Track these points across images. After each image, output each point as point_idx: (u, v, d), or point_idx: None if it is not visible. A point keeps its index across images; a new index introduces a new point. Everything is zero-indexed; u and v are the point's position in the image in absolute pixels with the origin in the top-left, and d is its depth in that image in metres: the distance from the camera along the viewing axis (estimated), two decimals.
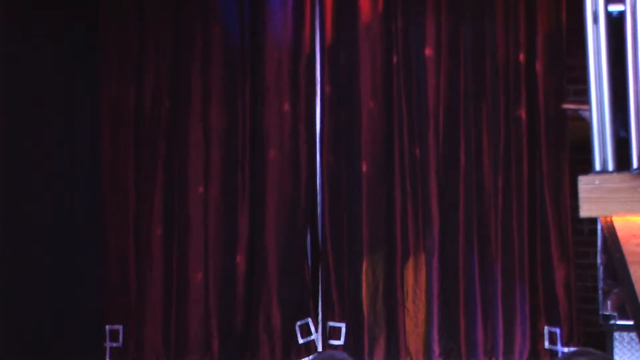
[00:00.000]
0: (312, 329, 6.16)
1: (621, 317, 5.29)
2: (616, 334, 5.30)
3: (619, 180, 2.47)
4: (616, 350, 5.27)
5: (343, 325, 6.12)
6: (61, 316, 5.92)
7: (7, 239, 5.53)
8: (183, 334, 6.22)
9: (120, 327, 6.29)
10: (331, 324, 6.14)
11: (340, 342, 6.11)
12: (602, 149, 2.52)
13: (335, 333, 6.12)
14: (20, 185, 5.73)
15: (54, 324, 5.85)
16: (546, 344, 5.91)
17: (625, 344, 5.28)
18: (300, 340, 6.15)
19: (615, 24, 2.60)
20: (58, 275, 5.94)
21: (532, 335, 5.92)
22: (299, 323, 6.16)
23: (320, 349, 6.13)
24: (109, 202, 6.36)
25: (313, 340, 6.16)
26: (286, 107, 6.26)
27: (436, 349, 5.97)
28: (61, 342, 5.87)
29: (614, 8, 2.60)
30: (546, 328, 5.92)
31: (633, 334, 5.22)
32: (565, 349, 5.81)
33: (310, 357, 6.09)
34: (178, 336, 6.22)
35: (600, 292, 5.46)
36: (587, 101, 2.65)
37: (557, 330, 5.87)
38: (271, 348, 6.14)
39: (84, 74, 6.37)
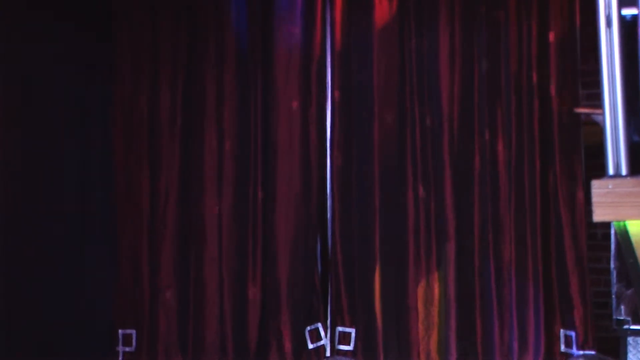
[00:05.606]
0: (322, 334, 6.16)
1: (635, 322, 5.27)
2: (630, 339, 5.28)
3: (633, 185, 2.46)
4: (630, 355, 5.26)
5: (352, 331, 6.11)
6: (74, 320, 5.94)
7: (17, 246, 5.56)
8: (198, 339, 6.22)
9: (133, 332, 6.31)
10: (340, 329, 6.14)
11: (350, 347, 6.10)
12: (616, 153, 2.51)
13: (344, 338, 6.12)
14: (34, 189, 5.75)
15: (66, 328, 5.87)
16: (562, 347, 5.89)
17: (639, 349, 5.26)
18: (310, 346, 6.14)
19: (629, 27, 2.60)
20: (70, 279, 5.96)
21: (547, 338, 5.90)
22: (308, 328, 6.16)
23: (329, 354, 6.13)
24: (122, 207, 6.37)
25: (323, 345, 6.15)
26: (297, 111, 6.27)
27: (453, 351, 5.97)
28: (73, 346, 5.89)
29: (628, 12, 2.60)
30: (562, 331, 5.91)
31: None
32: (581, 352, 5.80)
33: None
34: (193, 340, 6.23)
35: (613, 296, 5.45)
36: (600, 105, 2.64)
37: (572, 334, 5.86)
38: (281, 353, 6.14)
39: (97, 78, 6.40)
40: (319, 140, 6.26)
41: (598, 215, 2.49)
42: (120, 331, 6.31)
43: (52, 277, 5.81)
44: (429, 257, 6.07)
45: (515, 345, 5.92)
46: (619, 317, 5.35)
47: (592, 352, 5.81)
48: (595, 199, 2.48)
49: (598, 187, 2.49)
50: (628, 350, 5.27)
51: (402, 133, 6.16)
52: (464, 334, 6.00)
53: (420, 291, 6.06)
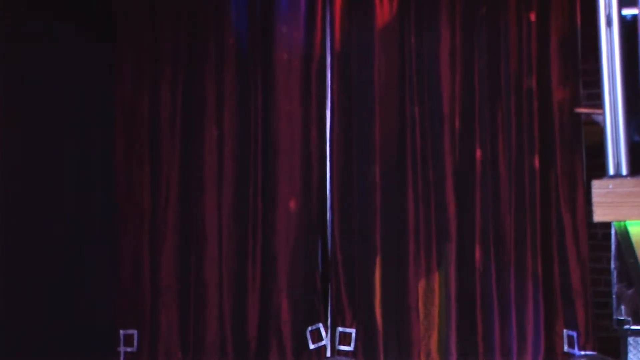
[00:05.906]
0: (323, 334, 6.15)
1: (635, 322, 5.27)
2: (630, 339, 5.28)
3: (633, 185, 2.46)
4: (630, 355, 5.25)
5: (353, 331, 6.11)
6: (74, 320, 5.93)
7: (17, 246, 5.55)
8: (198, 339, 6.22)
9: (134, 332, 6.30)
10: (341, 329, 6.14)
11: (350, 347, 6.10)
12: (616, 153, 2.51)
13: (345, 339, 6.12)
14: (34, 189, 5.75)
15: (66, 328, 5.86)
16: (565, 347, 5.89)
17: (639, 349, 5.26)
18: (311, 346, 6.14)
19: (629, 27, 2.60)
20: (70, 279, 5.96)
21: (547, 339, 5.90)
22: (309, 328, 6.15)
23: (329, 354, 6.13)
24: (122, 207, 6.36)
25: (324, 345, 6.15)
26: (297, 111, 6.27)
27: (454, 352, 5.96)
28: (74, 346, 5.88)
29: (628, 12, 2.60)
30: (565, 331, 5.90)
31: None
32: (582, 353, 5.80)
33: None
34: (193, 341, 6.22)
35: (614, 296, 5.44)
36: (600, 105, 2.64)
37: (574, 334, 5.86)
38: (282, 353, 6.13)
39: (97, 78, 6.40)
40: (319, 140, 6.26)
41: (598, 215, 2.49)
42: (121, 331, 6.30)
43: (52, 277, 5.81)
44: (429, 257, 6.07)
45: (516, 345, 5.92)
46: (619, 317, 5.35)
47: (593, 353, 5.81)
48: (595, 199, 2.48)
49: (598, 187, 2.48)
50: (628, 351, 5.26)
51: (402, 133, 6.16)
52: (465, 334, 5.99)
53: (421, 291, 6.05)
